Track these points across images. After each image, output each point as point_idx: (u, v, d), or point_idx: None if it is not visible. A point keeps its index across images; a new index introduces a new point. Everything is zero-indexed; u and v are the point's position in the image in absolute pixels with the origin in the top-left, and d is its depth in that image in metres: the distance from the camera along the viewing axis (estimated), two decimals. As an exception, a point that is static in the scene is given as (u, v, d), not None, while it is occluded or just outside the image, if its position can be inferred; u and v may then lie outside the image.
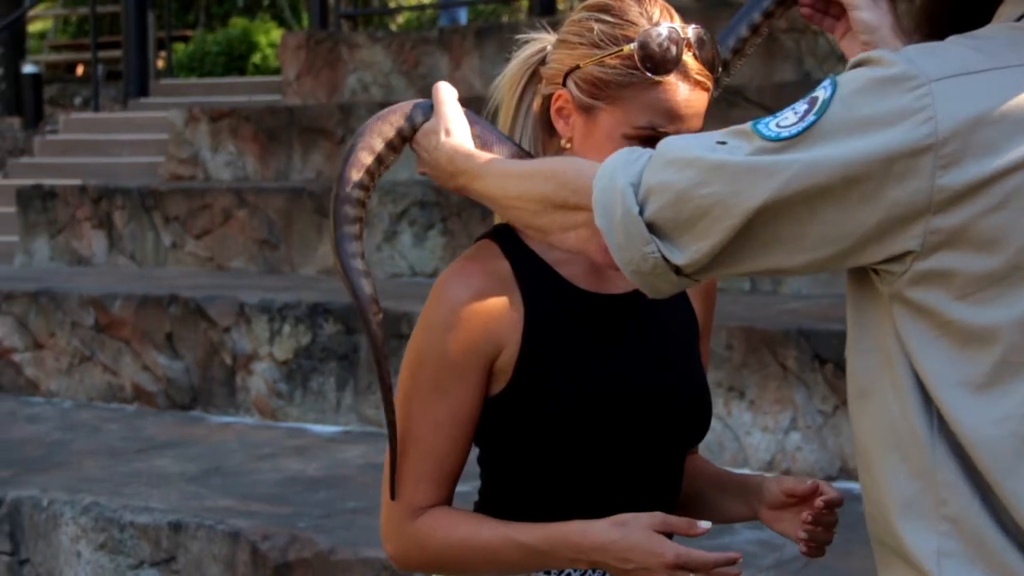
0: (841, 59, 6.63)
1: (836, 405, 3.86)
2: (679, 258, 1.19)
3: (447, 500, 1.47)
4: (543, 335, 1.43)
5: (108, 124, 8.88)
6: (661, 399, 1.46)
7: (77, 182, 7.20)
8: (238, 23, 12.59)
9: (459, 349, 1.40)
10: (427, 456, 1.43)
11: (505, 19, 13.56)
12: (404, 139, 1.43)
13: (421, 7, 13.25)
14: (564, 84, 1.42)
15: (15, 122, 10.19)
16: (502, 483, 1.49)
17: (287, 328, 4.93)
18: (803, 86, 6.08)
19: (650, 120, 1.37)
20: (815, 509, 1.46)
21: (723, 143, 1.18)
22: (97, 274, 6.28)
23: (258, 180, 7.12)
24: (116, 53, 10.72)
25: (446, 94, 1.43)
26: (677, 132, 1.37)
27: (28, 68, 10.15)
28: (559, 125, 1.44)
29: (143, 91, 9.30)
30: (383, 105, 7.35)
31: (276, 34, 11.59)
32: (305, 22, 13.54)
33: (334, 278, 6.01)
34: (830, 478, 3.84)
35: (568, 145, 1.44)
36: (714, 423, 4.21)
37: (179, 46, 12.44)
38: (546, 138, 1.48)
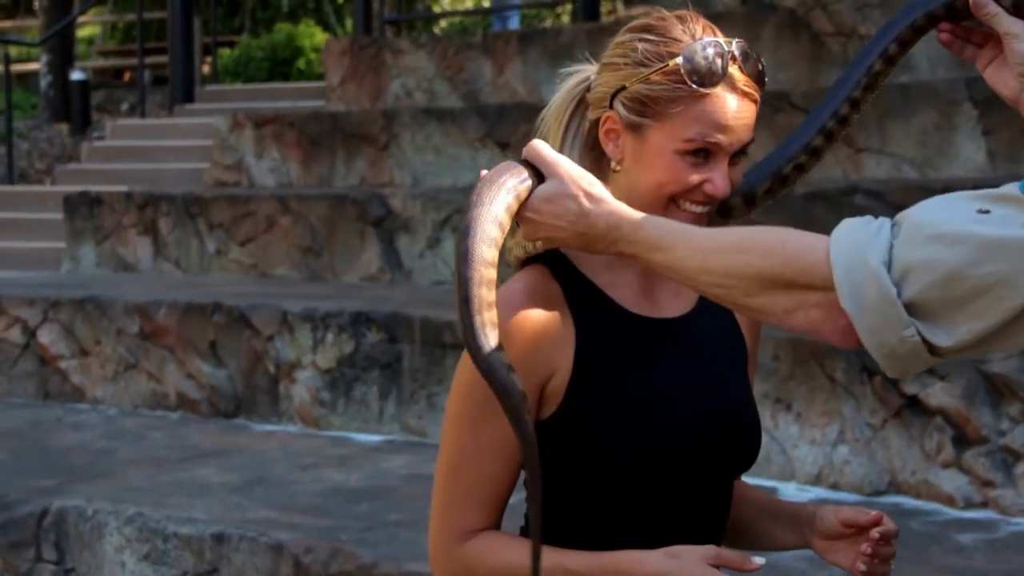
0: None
1: (885, 418, 3.80)
2: (944, 340, 1.11)
3: (496, 524, 1.45)
4: (595, 359, 1.41)
5: (154, 130, 8.95)
6: (712, 426, 1.43)
7: (123, 188, 7.25)
8: (283, 28, 12.65)
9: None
10: (477, 480, 1.42)
11: (549, 23, 13.53)
12: (521, 205, 1.31)
13: (466, 12, 13.25)
14: (611, 106, 1.42)
15: (63, 128, 10.30)
16: (551, 508, 1.46)
17: (330, 336, 4.92)
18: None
19: (699, 132, 1.36)
20: (872, 541, 1.42)
21: (986, 212, 1.08)
22: (142, 281, 6.32)
23: (301, 186, 7.14)
24: (163, 59, 10.80)
25: (553, 152, 1.34)
26: (729, 145, 1.37)
27: (76, 75, 10.26)
28: (608, 148, 1.43)
29: (188, 97, 9.37)
30: (427, 111, 7.33)
31: (320, 39, 11.63)
32: (349, 27, 13.59)
33: (377, 285, 6.01)
34: (879, 492, 3.78)
35: (618, 168, 1.43)
36: (761, 436, 4.16)
37: (224, 51, 12.53)
38: (594, 166, 1.46)
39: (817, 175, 5.11)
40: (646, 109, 1.38)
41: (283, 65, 11.69)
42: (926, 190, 4.68)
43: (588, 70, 1.47)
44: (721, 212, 1.47)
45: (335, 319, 4.92)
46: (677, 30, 1.39)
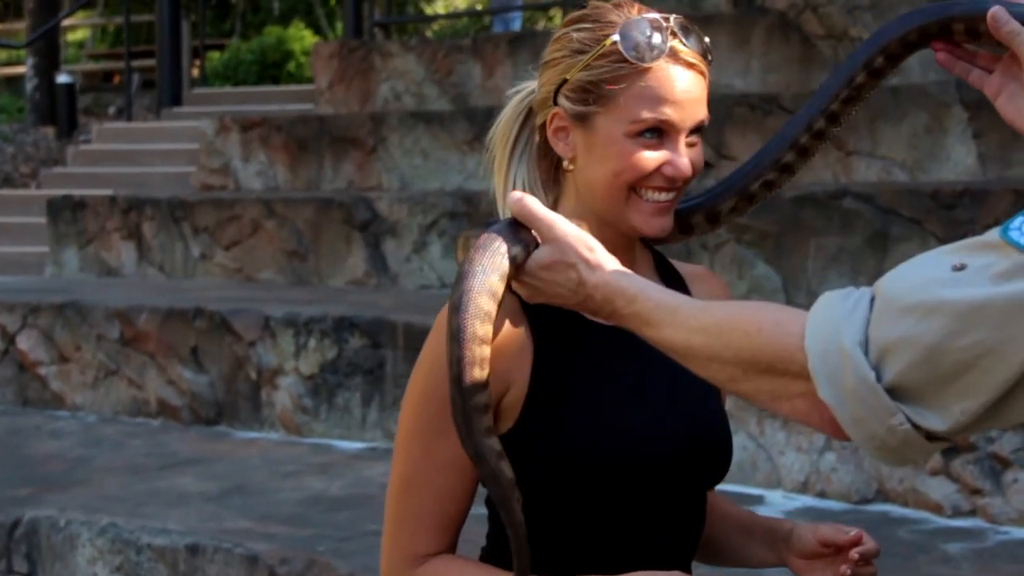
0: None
1: (874, 425, 3.73)
2: (938, 424, 0.98)
3: (451, 547, 1.38)
4: (554, 371, 1.34)
5: (141, 134, 8.88)
6: (679, 437, 1.37)
7: (108, 192, 7.18)
8: (273, 31, 12.59)
9: None
10: (429, 500, 1.34)
11: (541, 26, 13.48)
12: (518, 269, 1.21)
13: (457, 15, 13.21)
14: (556, 103, 1.35)
15: (49, 132, 10.22)
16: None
17: (312, 342, 4.86)
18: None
19: (647, 110, 1.30)
20: (851, 561, 1.36)
21: (962, 267, 0.95)
22: (125, 286, 6.24)
23: (288, 190, 7.07)
24: (152, 62, 10.74)
25: (547, 211, 1.23)
26: (682, 121, 1.30)
27: (62, 78, 10.19)
28: (559, 147, 1.37)
29: (176, 100, 9.30)
30: (415, 114, 7.26)
31: (310, 42, 11.57)
32: (340, 31, 13.52)
33: (362, 290, 5.94)
34: (866, 500, 3.71)
35: (571, 167, 1.36)
36: (746, 442, 4.10)
37: (214, 55, 12.46)
38: (548, 175, 1.40)
39: (806, 178, 5.06)
40: (589, 96, 1.32)
41: (273, 68, 11.62)
42: (916, 193, 4.62)
43: (533, 84, 1.42)
44: (683, 229, 1.41)
45: (318, 324, 4.85)
46: (612, 14, 1.34)
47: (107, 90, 13.04)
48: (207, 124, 7.54)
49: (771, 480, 3.91)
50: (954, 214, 4.50)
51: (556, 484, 1.33)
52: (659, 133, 1.31)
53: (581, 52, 1.33)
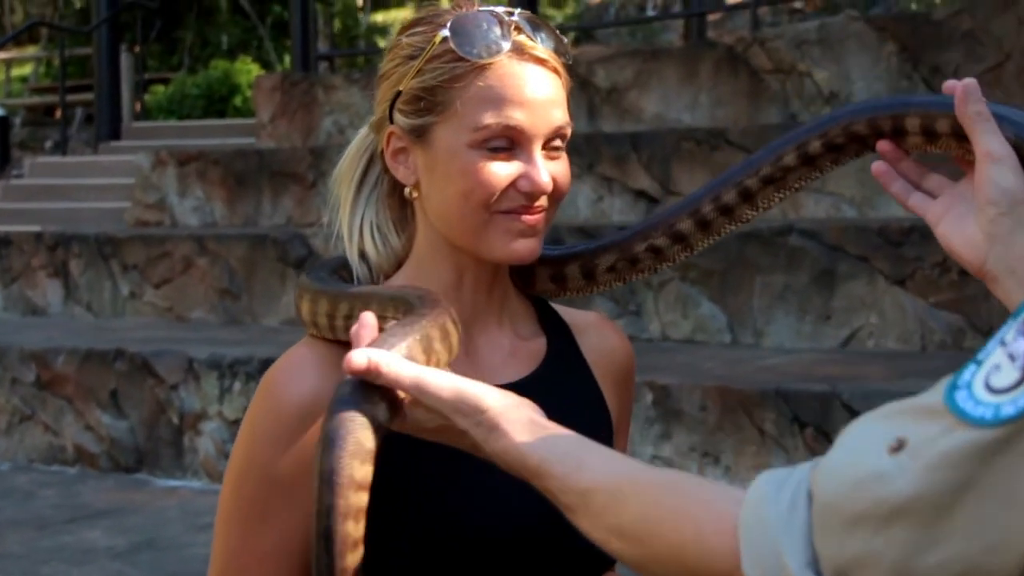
0: (828, 101, 6.39)
1: (819, 473, 3.56)
2: None
3: None
4: (398, 441, 1.05)
5: (76, 168, 8.63)
6: (549, 514, 1.15)
7: (36, 228, 6.93)
8: (219, 65, 12.38)
9: (288, 465, 1.10)
10: None
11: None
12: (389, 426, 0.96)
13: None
14: (391, 120, 1.14)
15: (-17, 166, 9.94)
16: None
17: (238, 385, 4.63)
18: (789, 129, 5.80)
19: (491, 114, 1.08)
20: None
21: (900, 446, 0.70)
22: (48, 326, 5.98)
23: (225, 226, 6.85)
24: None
25: (407, 367, 0.94)
26: (534, 127, 1.08)
27: (-4, 111, 9.93)
28: (399, 172, 1.15)
29: (115, 134, 9.06)
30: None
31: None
32: (289, 64, 13.33)
33: (295, 330, 5.71)
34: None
35: (415, 194, 1.14)
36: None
37: (159, 88, 12.23)
38: (399, 214, 1.18)
39: (752, 214, 4.90)
40: (425, 104, 1.10)
41: (219, 103, 11.40)
42: (863, 230, 4.48)
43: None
44: (555, 279, 1.20)
45: (243, 366, 4.62)
46: (446, 15, 1.13)
47: (48, 124, 12.76)
48: (143, 158, 7.32)
49: (713, 531, 3.72)
50: (902, 251, 4.35)
51: (405, 568, 1.12)
52: (508, 143, 1.09)
53: (413, 58, 1.12)
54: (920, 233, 4.32)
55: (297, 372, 1.11)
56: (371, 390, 0.94)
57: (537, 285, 1.21)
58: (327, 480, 0.91)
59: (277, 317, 5.82)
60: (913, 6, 12.51)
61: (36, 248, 6.52)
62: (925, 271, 4.30)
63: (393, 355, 0.94)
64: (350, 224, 1.18)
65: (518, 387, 1.11)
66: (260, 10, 14.89)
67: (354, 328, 0.97)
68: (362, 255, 1.19)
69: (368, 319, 0.98)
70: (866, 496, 0.71)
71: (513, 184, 1.09)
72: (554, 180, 1.11)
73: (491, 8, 1.12)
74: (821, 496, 0.75)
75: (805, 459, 3.54)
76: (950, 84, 1.00)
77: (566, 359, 1.22)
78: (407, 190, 1.15)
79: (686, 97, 6.37)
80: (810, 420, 3.51)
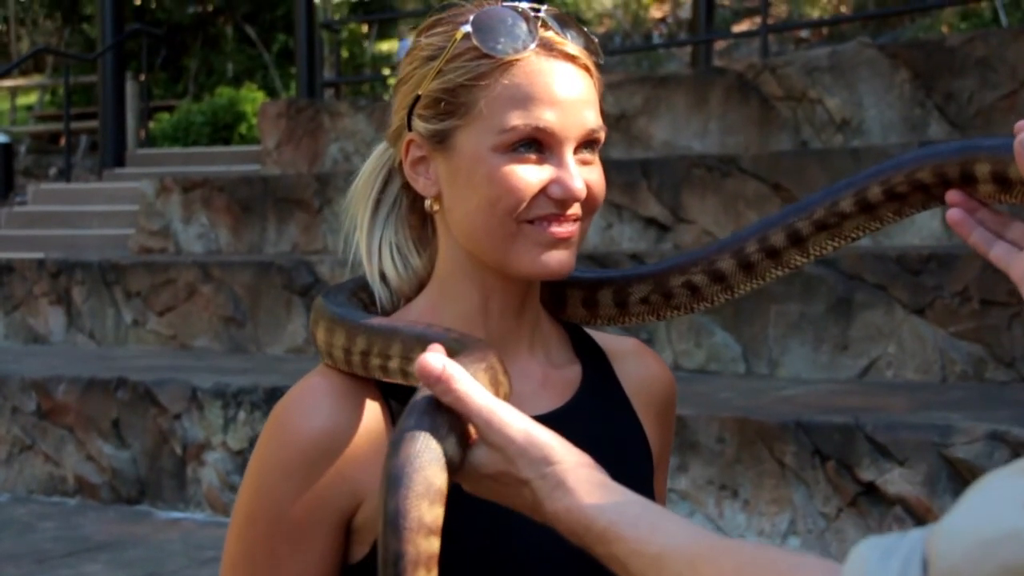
0: (840, 129, 6.33)
1: (839, 507, 3.45)
2: None
3: None
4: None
5: (80, 195, 8.57)
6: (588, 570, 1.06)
7: (39, 255, 6.85)
8: (225, 92, 12.35)
9: (302, 504, 1.01)
10: None
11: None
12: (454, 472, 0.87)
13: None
14: (410, 128, 1.05)
15: (-14, 194, 9.89)
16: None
17: (242, 415, 4.53)
18: (800, 156, 5.75)
19: (519, 115, 0.99)
20: None
21: None
22: (50, 354, 5.89)
23: (230, 253, 6.77)
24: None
25: (483, 397, 0.86)
26: (565, 129, 0.99)
27: (-1, 138, 9.89)
28: (419, 184, 1.06)
29: (119, 161, 9.01)
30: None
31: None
32: (295, 91, 13.31)
33: (301, 358, 5.63)
34: (834, 589, 3.42)
35: (436, 207, 1.05)
36: (705, 524, 3.81)
37: (164, 116, 12.20)
38: (421, 232, 1.10)
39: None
40: (447, 107, 1.01)
41: (224, 130, 11.36)
42: (881, 258, 4.39)
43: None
44: (587, 304, 1.11)
45: (248, 396, 4.53)
46: (467, 12, 1.03)
47: (52, 152, 12.73)
48: (147, 185, 7.26)
49: (730, 566, 3.61)
50: (920, 280, 4.27)
51: None
52: (538, 146, 1.00)
53: (432, 58, 1.03)
54: (938, 261, 4.24)
55: (311, 404, 1.03)
56: (439, 421, 0.84)
57: (568, 309, 1.13)
58: (393, 524, 0.81)
59: (282, 345, 5.73)
60: (921, 35, 12.47)
61: (38, 275, 6.44)
62: (945, 300, 4.21)
63: (467, 374, 0.85)
64: (368, 245, 1.09)
65: (551, 419, 1.02)
66: (265, 38, 14.89)
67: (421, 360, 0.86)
68: (383, 277, 1.10)
69: (436, 348, 0.87)
70: (1000, 556, 0.63)
71: (543, 190, 1.00)
72: (588, 187, 1.02)
73: (515, 3, 1.03)
74: (942, 562, 0.65)
75: (827, 495, 3.41)
76: (1022, 125, 0.89)
77: (603, 388, 1.13)
78: (428, 203, 1.06)
79: (696, 124, 6.31)
80: (832, 453, 3.42)
